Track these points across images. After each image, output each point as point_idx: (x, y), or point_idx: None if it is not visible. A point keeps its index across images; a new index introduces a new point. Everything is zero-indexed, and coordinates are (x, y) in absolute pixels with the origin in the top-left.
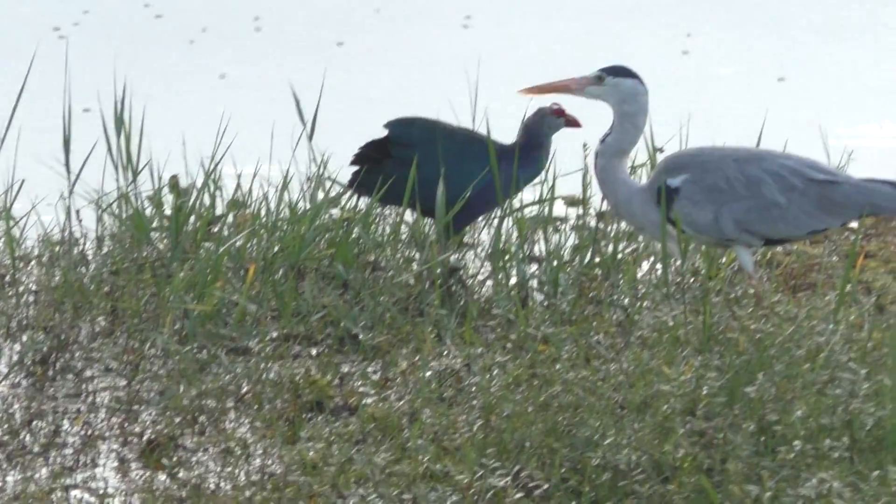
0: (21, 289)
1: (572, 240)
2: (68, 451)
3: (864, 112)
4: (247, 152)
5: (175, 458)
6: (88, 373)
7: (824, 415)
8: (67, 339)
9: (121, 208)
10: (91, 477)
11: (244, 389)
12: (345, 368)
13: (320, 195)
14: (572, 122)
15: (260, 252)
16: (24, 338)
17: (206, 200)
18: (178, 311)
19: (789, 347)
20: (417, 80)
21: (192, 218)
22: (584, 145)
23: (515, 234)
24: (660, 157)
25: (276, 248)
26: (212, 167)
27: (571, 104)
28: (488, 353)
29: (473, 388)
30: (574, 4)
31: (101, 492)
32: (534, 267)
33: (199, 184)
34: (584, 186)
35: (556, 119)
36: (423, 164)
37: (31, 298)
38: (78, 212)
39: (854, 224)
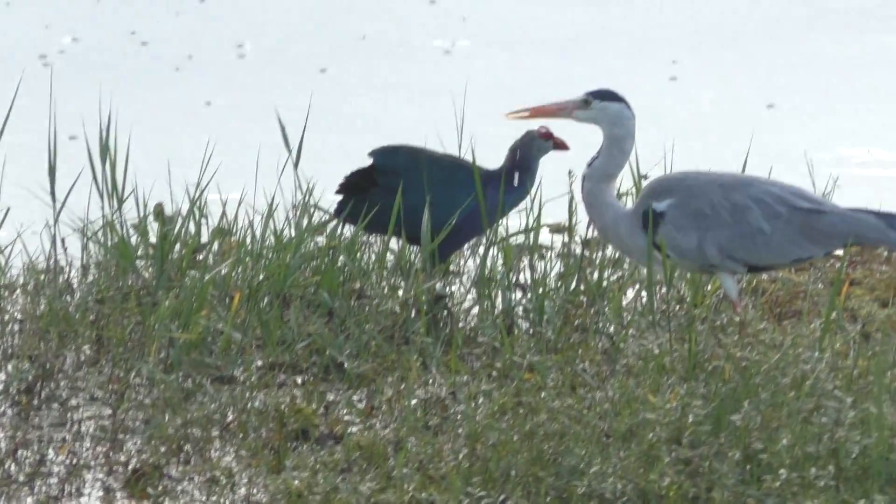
0: (6, 317)
1: (558, 267)
2: (53, 480)
3: (851, 139)
4: (232, 179)
5: (160, 488)
6: (73, 402)
7: (810, 443)
8: (52, 368)
9: (106, 236)
10: None
11: (229, 418)
12: (330, 397)
13: (305, 223)
14: (560, 145)
15: (245, 280)
16: (9, 367)
17: (192, 228)
18: (164, 340)
19: (775, 375)
20: (402, 108)
21: (178, 246)
22: (570, 172)
23: (501, 262)
24: (645, 183)
25: (261, 276)
26: (197, 195)
27: (558, 127)
28: (474, 381)
29: (459, 417)
30: (559, 32)
31: None
32: (519, 294)
33: (184, 211)
34: (570, 213)
35: (544, 142)
36: (408, 192)
37: (16, 327)
38: (63, 240)
39: (839, 252)
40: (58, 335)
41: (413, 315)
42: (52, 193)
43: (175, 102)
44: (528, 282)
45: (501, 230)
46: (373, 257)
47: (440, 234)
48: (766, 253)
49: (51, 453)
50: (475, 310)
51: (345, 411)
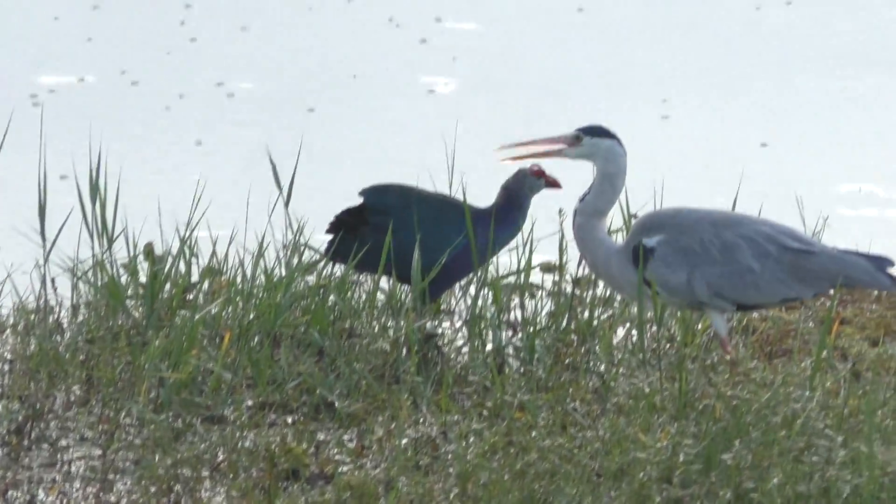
0: None
1: (548, 306)
2: None
3: (843, 178)
4: (223, 218)
5: None
6: (63, 442)
7: (801, 482)
8: (42, 409)
9: (96, 276)
10: None
11: (219, 458)
12: (320, 436)
13: (296, 261)
14: (553, 183)
15: (235, 319)
16: None
17: (182, 268)
18: (154, 380)
19: (765, 414)
20: (393, 146)
21: (168, 285)
22: (560, 211)
23: (491, 301)
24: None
25: (251, 316)
26: (187, 234)
27: (550, 165)
28: (464, 420)
29: (450, 456)
30: (550, 72)
31: None
32: (510, 333)
33: (174, 251)
34: (561, 252)
35: (536, 180)
36: (398, 231)
37: (6, 367)
38: (53, 280)
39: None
40: (48, 375)
41: (404, 354)
42: (42, 233)
43: (165, 141)
44: (519, 320)
45: (492, 269)
46: (363, 296)
47: (430, 273)
48: (755, 292)
49: (41, 494)
50: (466, 349)
51: (335, 451)
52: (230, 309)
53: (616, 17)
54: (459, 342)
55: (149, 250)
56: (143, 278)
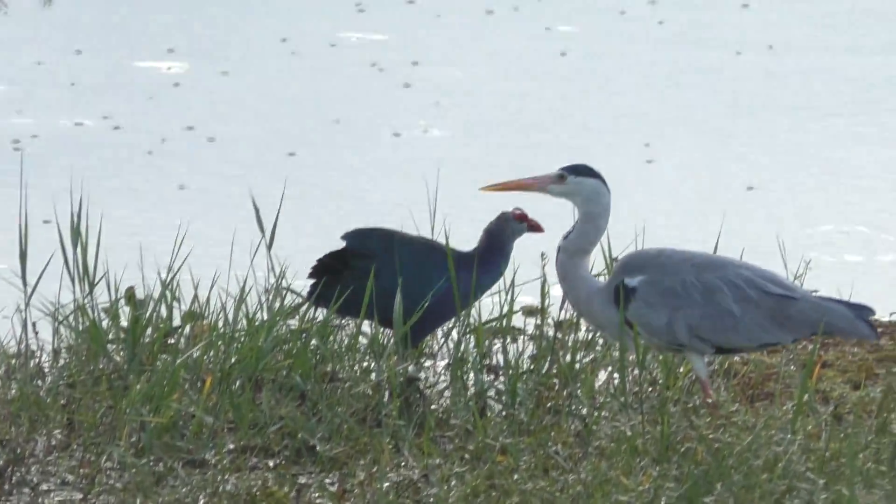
0: None
1: (530, 349)
2: None
3: (826, 222)
4: (205, 263)
5: None
6: (45, 486)
7: None
8: (23, 453)
9: (77, 320)
10: None
11: (201, 502)
12: (302, 480)
13: (278, 305)
14: (535, 227)
15: (217, 363)
16: None
17: (163, 312)
18: (135, 424)
19: (747, 457)
20: (376, 190)
21: (149, 329)
22: (543, 254)
23: (473, 344)
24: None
25: (233, 360)
26: (169, 278)
27: (533, 208)
28: (446, 463)
29: (432, 500)
30: (533, 115)
31: None
32: (492, 377)
33: (156, 295)
34: (543, 296)
35: (518, 224)
36: (381, 275)
37: None
38: (34, 324)
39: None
40: (29, 419)
41: (385, 398)
42: (24, 277)
43: (148, 186)
44: (501, 364)
45: (475, 313)
46: (345, 340)
47: (413, 317)
48: (735, 336)
49: None
50: (448, 392)
51: (317, 495)
52: (212, 353)
53: (599, 61)
54: (441, 385)
55: (130, 295)
56: (124, 323)
